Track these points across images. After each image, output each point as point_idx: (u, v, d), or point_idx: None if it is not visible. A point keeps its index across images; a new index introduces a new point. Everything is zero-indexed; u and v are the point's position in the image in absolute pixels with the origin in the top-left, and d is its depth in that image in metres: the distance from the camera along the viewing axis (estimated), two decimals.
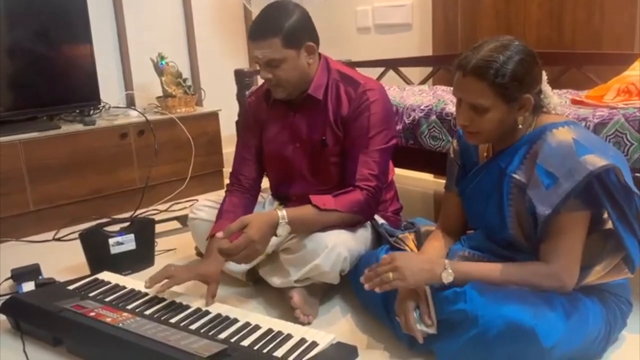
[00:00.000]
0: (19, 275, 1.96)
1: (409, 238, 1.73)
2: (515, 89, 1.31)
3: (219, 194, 2.00)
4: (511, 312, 1.20)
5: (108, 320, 1.53)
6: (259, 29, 1.68)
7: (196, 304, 1.63)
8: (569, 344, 1.27)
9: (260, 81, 2.90)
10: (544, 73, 1.39)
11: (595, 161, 1.25)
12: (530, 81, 1.33)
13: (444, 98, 2.11)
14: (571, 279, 1.32)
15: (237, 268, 1.83)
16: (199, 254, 2.16)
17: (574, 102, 1.84)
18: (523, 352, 1.20)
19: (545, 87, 1.41)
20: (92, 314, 1.57)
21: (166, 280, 1.66)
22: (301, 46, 1.71)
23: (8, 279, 1.98)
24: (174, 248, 2.36)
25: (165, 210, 2.91)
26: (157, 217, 2.52)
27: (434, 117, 2.03)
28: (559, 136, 1.32)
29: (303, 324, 1.63)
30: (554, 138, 1.33)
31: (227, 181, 1.99)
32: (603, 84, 1.91)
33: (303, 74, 1.76)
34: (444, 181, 1.70)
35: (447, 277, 1.34)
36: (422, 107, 2.09)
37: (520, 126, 1.38)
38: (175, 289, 1.70)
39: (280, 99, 1.82)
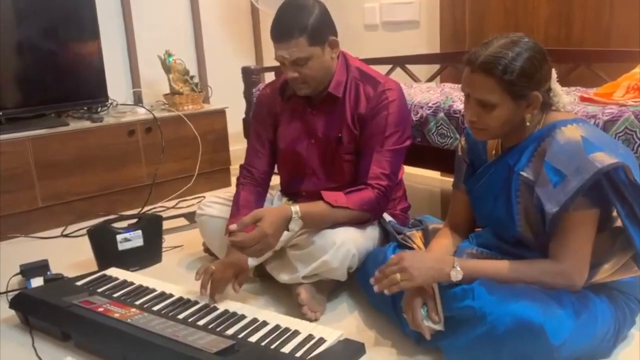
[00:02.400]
0: (28, 270, 1.97)
1: (417, 236, 1.73)
2: (523, 85, 1.30)
3: (227, 191, 2.00)
4: (520, 309, 1.20)
5: (116, 315, 1.54)
6: (283, 29, 1.67)
7: (204, 300, 1.63)
8: (578, 342, 1.26)
9: (267, 79, 2.91)
10: (553, 71, 1.39)
11: (604, 159, 1.24)
12: (539, 78, 1.33)
13: (452, 95, 2.11)
14: (580, 277, 1.31)
15: None
16: (206, 250, 2.17)
17: (583, 99, 1.83)
18: (531, 349, 1.19)
19: (555, 85, 1.40)
20: (101, 309, 1.58)
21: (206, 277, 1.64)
22: (325, 42, 1.71)
23: (17, 274, 1.99)
24: (182, 245, 2.36)
25: (173, 207, 2.92)
26: (164, 214, 2.53)
27: (441, 115, 2.03)
28: (567, 134, 1.32)
29: (310, 320, 1.63)
30: (562, 135, 1.32)
31: (234, 179, 1.99)
32: (612, 82, 1.90)
33: (327, 69, 1.76)
34: (451, 179, 1.69)
35: (456, 275, 1.34)
36: (429, 105, 2.08)
37: (528, 124, 1.37)
38: (184, 285, 1.70)
39: (299, 95, 1.82)
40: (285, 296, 1.81)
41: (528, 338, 1.18)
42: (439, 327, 1.36)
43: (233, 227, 1.57)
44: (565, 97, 1.43)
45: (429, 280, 1.36)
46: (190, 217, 2.56)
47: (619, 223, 1.34)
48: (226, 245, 1.76)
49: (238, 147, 3.37)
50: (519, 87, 1.30)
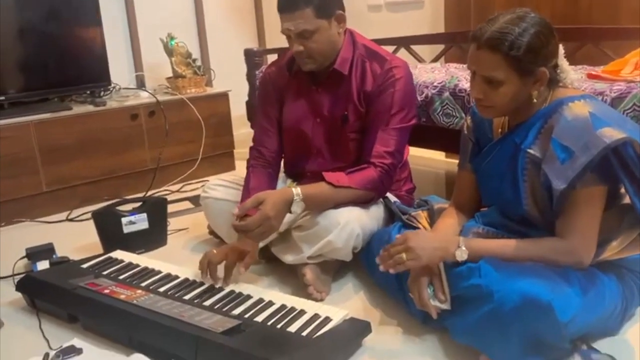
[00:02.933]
0: (34, 254, 1.98)
1: (422, 216, 1.72)
2: (530, 62, 1.28)
3: (231, 174, 1.99)
4: (527, 286, 1.19)
5: (122, 297, 1.54)
6: (290, 0, 1.66)
7: (209, 281, 1.63)
8: (585, 319, 1.26)
9: (269, 61, 2.89)
10: (560, 47, 1.36)
11: (612, 134, 1.22)
12: (546, 54, 1.30)
13: (457, 75, 2.09)
14: (588, 254, 1.30)
15: None
16: (211, 232, 2.17)
17: (590, 76, 1.80)
18: (539, 327, 1.19)
19: (562, 61, 1.38)
20: (107, 291, 1.58)
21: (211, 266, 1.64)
22: (332, 15, 1.69)
23: (23, 257, 1.99)
24: (187, 227, 2.36)
25: (177, 191, 2.92)
26: (169, 198, 2.53)
27: (447, 94, 2.01)
28: (575, 110, 1.30)
29: (316, 300, 1.63)
30: (570, 112, 1.30)
31: (238, 163, 1.98)
32: (620, 59, 1.88)
33: (333, 44, 1.74)
34: (455, 161, 1.68)
35: (461, 255, 1.33)
36: (435, 84, 2.06)
37: (535, 100, 1.35)
38: (190, 267, 1.70)
39: (304, 72, 1.80)
40: (290, 277, 1.81)
41: (535, 315, 1.17)
42: (445, 306, 1.35)
43: (235, 211, 1.57)
44: (573, 73, 1.41)
45: (435, 260, 1.36)
46: (195, 200, 2.56)
47: (627, 200, 1.33)
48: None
49: (242, 132, 3.36)
50: (526, 63, 1.28)
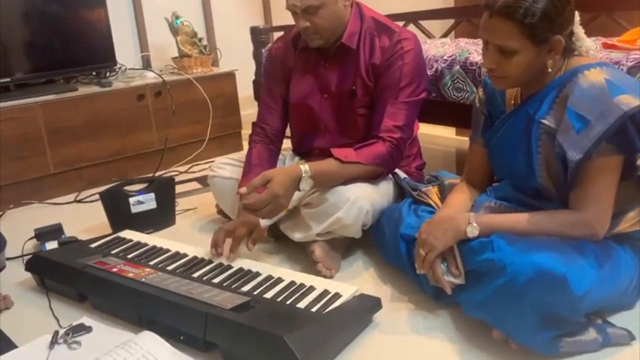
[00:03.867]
0: (43, 234, 1.98)
1: (433, 191, 1.69)
2: (545, 29, 1.24)
3: (239, 154, 1.97)
4: (541, 259, 1.16)
5: (130, 275, 1.53)
6: None
7: (218, 259, 1.62)
8: (601, 293, 1.23)
9: (275, 37, 2.85)
10: (576, 14, 1.32)
11: (629, 101, 1.18)
12: (561, 22, 1.26)
13: (468, 48, 2.04)
14: (603, 226, 1.27)
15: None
16: (219, 212, 2.15)
17: (606, 46, 1.75)
18: (553, 300, 1.16)
19: (578, 28, 1.34)
20: (115, 269, 1.57)
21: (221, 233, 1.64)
22: None
23: (32, 238, 1.99)
24: (195, 207, 2.35)
25: (185, 172, 2.90)
26: (176, 179, 2.51)
27: (457, 68, 1.97)
28: (590, 77, 1.26)
29: (325, 277, 1.61)
30: (585, 80, 1.26)
31: (245, 143, 1.95)
32: (635, 28, 1.82)
33: (340, 19, 1.70)
34: (466, 139, 1.64)
35: (472, 231, 1.31)
36: (445, 58, 2.02)
37: (549, 70, 1.31)
38: (198, 246, 1.69)
39: (310, 48, 1.77)
40: (299, 255, 1.79)
41: (550, 288, 1.15)
42: (459, 280, 1.33)
43: (243, 190, 1.55)
44: (589, 41, 1.36)
45: (450, 241, 1.34)
46: (203, 180, 2.55)
47: None
48: (238, 206, 1.74)
49: (249, 112, 3.33)
50: (541, 31, 1.24)
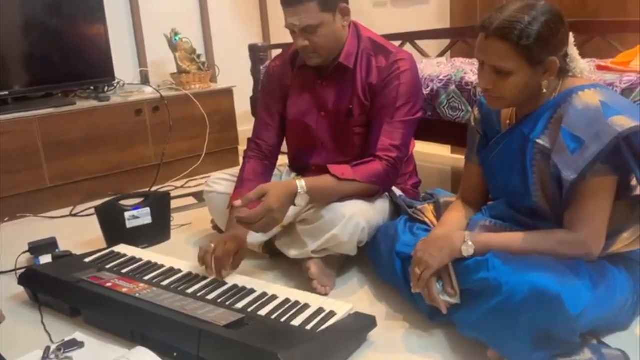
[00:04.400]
0: (37, 248, 1.97)
1: (428, 209, 1.69)
2: (540, 51, 1.26)
3: (235, 169, 1.97)
4: (536, 278, 1.16)
5: (124, 290, 1.52)
6: None
7: (212, 275, 1.61)
8: (596, 313, 1.23)
9: (273, 55, 2.88)
10: (570, 35, 1.34)
11: (623, 122, 1.19)
12: (556, 43, 1.28)
13: (463, 68, 2.06)
14: (597, 246, 1.27)
15: (253, 240, 1.81)
16: (215, 227, 2.15)
17: (600, 68, 1.78)
18: (548, 319, 1.16)
19: (572, 50, 1.36)
20: (109, 284, 1.56)
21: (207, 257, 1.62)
22: (336, 8, 1.67)
23: (25, 252, 1.98)
24: (190, 222, 2.35)
25: (181, 187, 2.90)
26: (172, 194, 2.51)
27: (453, 87, 1.98)
28: (585, 98, 1.27)
29: (320, 294, 1.60)
30: (580, 101, 1.28)
31: (242, 159, 1.96)
32: (629, 50, 1.85)
33: (338, 38, 1.72)
34: (461, 157, 1.65)
35: (468, 250, 1.31)
36: (440, 77, 2.04)
37: (544, 90, 1.33)
38: (193, 262, 1.69)
39: (308, 66, 1.78)
40: (294, 271, 1.78)
41: (545, 308, 1.15)
42: (455, 300, 1.33)
43: (237, 203, 1.55)
44: (583, 62, 1.38)
45: (445, 260, 1.34)
46: (199, 196, 2.54)
47: (638, 192, 1.30)
48: (227, 220, 1.74)
49: (246, 128, 3.34)
50: (536, 52, 1.25)
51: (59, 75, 2.78)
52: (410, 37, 2.92)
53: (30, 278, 1.70)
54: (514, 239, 1.33)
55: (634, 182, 1.31)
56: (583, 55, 1.41)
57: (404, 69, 1.72)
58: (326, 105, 1.81)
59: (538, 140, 1.33)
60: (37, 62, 2.71)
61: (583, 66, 1.37)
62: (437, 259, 1.33)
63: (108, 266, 1.73)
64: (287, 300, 1.46)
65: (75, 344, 1.41)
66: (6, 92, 2.60)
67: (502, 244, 1.32)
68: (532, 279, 1.17)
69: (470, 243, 1.31)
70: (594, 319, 1.25)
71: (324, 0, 1.63)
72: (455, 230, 1.45)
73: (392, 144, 1.70)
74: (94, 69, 2.88)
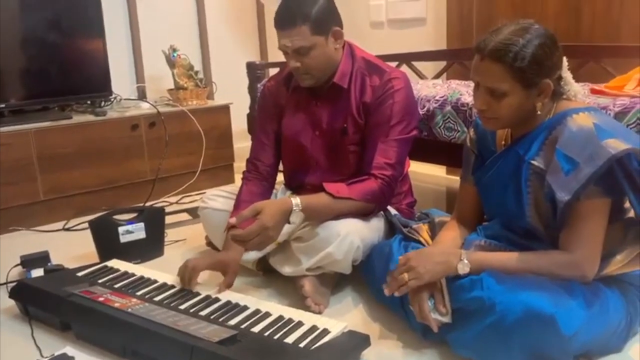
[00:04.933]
0: (28, 261, 1.95)
1: (423, 229, 1.70)
2: (534, 73, 1.28)
3: (231, 186, 1.97)
4: (530, 298, 1.17)
5: (117, 305, 1.51)
6: (287, 17, 1.65)
7: (206, 291, 1.61)
8: (590, 334, 1.23)
9: (271, 74, 2.90)
10: (564, 59, 1.36)
11: (617, 145, 1.21)
12: (550, 66, 1.30)
13: (459, 89, 2.08)
14: (591, 267, 1.28)
15: (247, 257, 1.80)
16: (209, 244, 2.14)
17: (594, 91, 1.80)
18: (542, 340, 1.16)
19: (566, 73, 1.38)
20: (101, 299, 1.55)
21: (189, 272, 1.63)
22: (329, 32, 1.69)
23: (17, 265, 1.96)
24: (184, 239, 2.34)
25: (176, 203, 2.90)
26: (167, 210, 2.50)
27: (449, 108, 2.00)
28: (579, 121, 1.29)
29: (314, 312, 1.59)
30: (574, 123, 1.29)
31: (237, 176, 1.97)
32: (622, 75, 1.87)
33: (331, 60, 1.74)
34: (456, 178, 1.67)
35: (463, 268, 1.31)
36: (437, 98, 2.06)
37: (539, 112, 1.35)
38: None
39: (303, 87, 1.80)
40: (288, 289, 1.78)
41: (539, 328, 1.15)
42: (446, 319, 1.33)
43: (232, 220, 1.55)
44: (577, 86, 1.40)
45: (437, 275, 1.34)
46: (193, 212, 2.54)
47: (631, 214, 1.31)
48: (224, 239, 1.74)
49: (242, 145, 3.35)
50: (530, 74, 1.27)
51: (56, 89, 2.78)
52: (406, 59, 2.95)
53: (21, 291, 1.69)
54: (509, 258, 1.33)
55: (627, 204, 1.32)
56: (577, 79, 1.43)
57: (397, 88, 1.74)
58: (320, 125, 1.82)
59: (533, 162, 1.35)
60: (35, 75, 2.72)
61: (577, 89, 1.39)
62: (430, 273, 1.32)
63: (100, 280, 1.72)
64: (280, 318, 1.45)
65: (65, 359, 1.39)
66: (3, 105, 2.61)
67: (497, 264, 1.32)
68: (526, 299, 1.17)
69: (466, 261, 1.32)
70: (588, 340, 1.25)
71: (316, 24, 1.65)
72: (451, 248, 1.45)
73: (387, 162, 1.71)
74: (92, 84, 2.89)
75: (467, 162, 1.60)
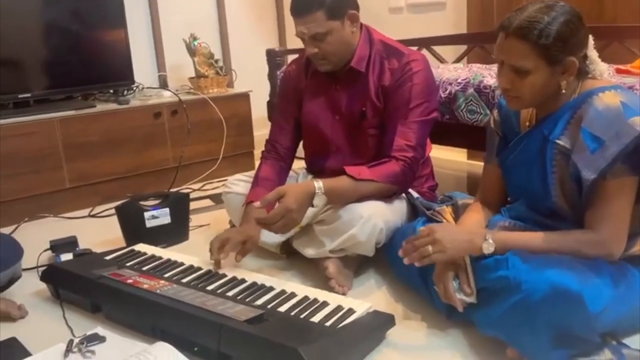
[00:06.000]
0: (58, 246, 2.00)
1: (447, 211, 1.70)
2: (559, 50, 1.26)
3: (253, 172, 1.99)
4: (556, 276, 1.16)
5: (145, 286, 1.54)
6: (302, 4, 1.67)
7: (231, 273, 1.63)
8: (616, 312, 1.23)
9: (290, 60, 2.91)
10: (590, 38, 1.35)
11: None
12: (575, 43, 1.29)
13: (482, 72, 2.07)
14: (618, 246, 1.27)
15: (271, 240, 1.83)
16: (232, 227, 2.16)
17: (619, 71, 1.78)
18: (568, 318, 1.16)
19: (592, 52, 1.36)
20: (130, 281, 1.58)
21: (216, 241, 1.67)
22: (344, 16, 1.70)
23: (47, 250, 2.01)
24: (208, 223, 2.37)
25: (198, 190, 2.93)
26: (190, 196, 2.53)
27: (471, 90, 1.99)
28: (605, 99, 1.28)
29: (338, 294, 1.61)
30: (600, 101, 1.28)
31: (257, 163, 1.99)
32: None
33: (348, 44, 1.74)
34: (477, 163, 1.66)
35: (488, 248, 1.31)
36: (458, 81, 2.05)
37: (563, 91, 1.33)
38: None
39: (321, 71, 1.81)
40: (311, 271, 1.80)
41: (565, 306, 1.15)
42: (471, 299, 1.33)
43: (257, 204, 1.57)
44: (603, 65, 1.38)
45: (461, 252, 1.34)
46: (216, 198, 2.57)
47: None
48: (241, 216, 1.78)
49: (262, 132, 3.37)
50: (555, 51, 1.26)
51: (80, 79, 2.82)
52: (426, 43, 2.93)
53: (53, 275, 1.73)
54: (534, 238, 1.33)
55: None
56: (602, 60, 1.41)
57: (416, 70, 1.74)
58: (340, 109, 1.83)
59: (558, 141, 1.34)
60: (59, 65, 2.76)
61: (603, 68, 1.38)
62: (455, 249, 1.31)
63: (128, 264, 1.75)
64: (305, 298, 1.47)
65: (97, 338, 1.43)
66: (28, 95, 2.65)
67: (522, 243, 1.32)
68: (552, 277, 1.17)
69: (491, 241, 1.31)
70: (614, 319, 1.24)
71: (332, 9, 1.65)
72: (476, 228, 1.45)
73: (407, 144, 1.71)
74: (114, 73, 2.93)
75: (490, 144, 1.59)
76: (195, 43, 3.11)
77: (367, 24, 1.83)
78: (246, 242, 1.67)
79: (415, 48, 2.95)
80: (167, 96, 2.98)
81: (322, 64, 1.76)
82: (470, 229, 1.42)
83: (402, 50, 1.79)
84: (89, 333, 1.47)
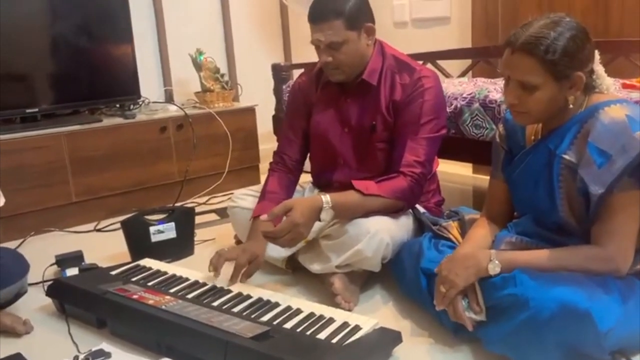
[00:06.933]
0: (63, 261, 2.00)
1: (453, 226, 1.69)
2: (566, 65, 1.27)
3: (259, 186, 2.00)
4: (564, 294, 1.16)
5: (151, 302, 1.54)
6: (321, 11, 1.67)
7: (237, 288, 1.63)
8: (625, 330, 1.21)
9: (296, 75, 2.92)
10: (596, 53, 1.35)
11: None
12: (582, 58, 1.29)
13: (487, 86, 2.07)
14: (625, 261, 1.27)
15: (276, 254, 1.82)
16: (238, 242, 2.16)
17: (625, 86, 1.78)
18: (577, 336, 1.15)
19: (598, 66, 1.37)
20: (135, 296, 1.58)
21: (221, 260, 1.67)
22: (361, 27, 1.71)
23: (52, 264, 2.01)
24: (213, 238, 2.37)
25: (204, 203, 2.93)
26: (195, 210, 2.53)
27: (476, 105, 1.99)
28: (611, 113, 1.28)
29: (344, 310, 1.60)
30: (606, 115, 1.28)
31: (263, 177, 1.99)
32: None
33: (362, 56, 1.75)
34: (482, 177, 1.66)
35: (494, 269, 1.31)
36: (464, 95, 2.05)
37: (571, 106, 1.34)
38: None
39: (333, 83, 1.81)
40: (317, 287, 1.79)
41: (574, 324, 1.14)
42: (480, 317, 1.33)
43: (264, 217, 1.57)
44: (609, 79, 1.39)
45: (471, 279, 1.34)
46: (221, 212, 2.57)
47: None
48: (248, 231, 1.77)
49: (267, 146, 3.38)
50: (562, 67, 1.26)
51: (86, 93, 2.84)
52: (431, 57, 2.94)
53: (58, 289, 1.73)
54: (540, 256, 1.32)
55: None
56: (608, 74, 1.41)
57: (428, 86, 1.74)
58: (349, 121, 1.83)
59: (564, 156, 1.33)
60: (66, 80, 2.78)
61: (609, 83, 1.38)
62: (463, 278, 1.33)
63: (134, 279, 1.75)
64: (311, 314, 1.46)
65: (102, 354, 1.43)
66: (36, 109, 2.67)
67: (528, 262, 1.31)
68: (560, 294, 1.16)
69: (496, 262, 1.31)
70: (624, 336, 1.23)
71: (350, 19, 1.66)
72: (480, 249, 1.44)
73: (416, 160, 1.71)
74: (121, 87, 2.95)
75: (496, 158, 1.59)
76: (201, 58, 3.13)
77: (380, 39, 1.83)
78: (254, 260, 1.67)
79: (420, 62, 2.97)
80: (173, 110, 2.99)
81: (334, 73, 1.76)
82: (473, 253, 1.40)
83: (414, 66, 1.80)
84: (94, 349, 1.46)
